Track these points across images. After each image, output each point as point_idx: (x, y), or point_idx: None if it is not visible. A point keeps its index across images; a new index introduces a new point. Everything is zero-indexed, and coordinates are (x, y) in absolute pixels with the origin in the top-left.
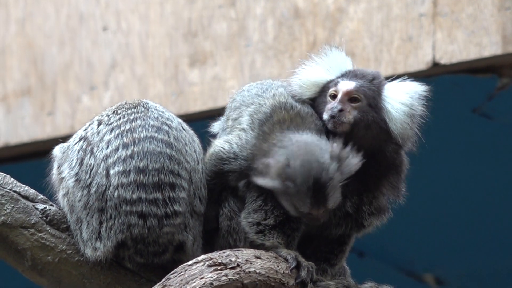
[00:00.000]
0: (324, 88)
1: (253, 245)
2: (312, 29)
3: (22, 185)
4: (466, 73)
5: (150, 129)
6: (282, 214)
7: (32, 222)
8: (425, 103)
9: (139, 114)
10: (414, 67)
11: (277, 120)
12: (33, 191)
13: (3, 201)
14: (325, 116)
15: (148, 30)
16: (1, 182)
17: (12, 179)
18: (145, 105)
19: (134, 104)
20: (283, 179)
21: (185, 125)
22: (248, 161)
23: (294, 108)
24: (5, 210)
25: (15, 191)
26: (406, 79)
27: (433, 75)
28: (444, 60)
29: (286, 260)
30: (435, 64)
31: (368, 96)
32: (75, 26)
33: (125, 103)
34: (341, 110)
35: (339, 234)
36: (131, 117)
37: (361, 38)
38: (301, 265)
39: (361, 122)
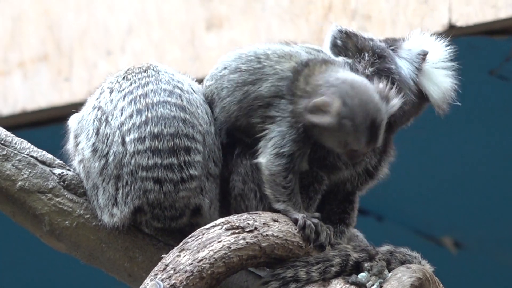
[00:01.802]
0: None
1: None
2: None
3: (39, 150)
4: (482, 35)
5: (162, 93)
6: (307, 172)
7: (50, 187)
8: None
9: (150, 78)
10: (430, 29)
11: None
12: (50, 156)
13: (20, 166)
14: None
15: None
16: (18, 147)
17: (29, 144)
18: (155, 69)
19: (144, 68)
20: (341, 118)
21: (195, 87)
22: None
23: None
24: (23, 175)
25: (32, 156)
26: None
27: (449, 37)
28: (460, 22)
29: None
30: (451, 26)
31: None
32: None
33: (134, 68)
34: None
35: (349, 191)
36: (143, 82)
37: (377, 1)
38: (319, 230)
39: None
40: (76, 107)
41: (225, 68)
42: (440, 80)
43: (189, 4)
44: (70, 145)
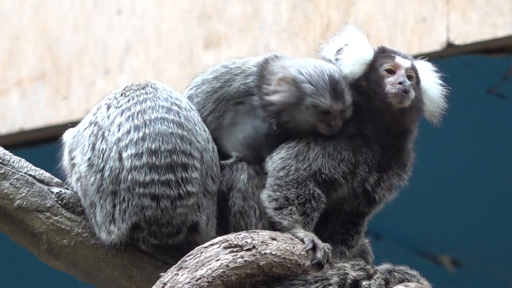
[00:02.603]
0: (372, 64)
1: (270, 221)
2: (326, 11)
3: (37, 168)
4: (480, 54)
5: (160, 109)
6: (303, 188)
7: (48, 205)
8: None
9: (148, 95)
10: (429, 48)
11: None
12: (48, 174)
13: (18, 185)
14: (393, 89)
15: (162, 13)
16: (16, 165)
17: (27, 162)
18: (153, 86)
19: (142, 85)
20: (299, 83)
21: (192, 105)
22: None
23: None
24: (21, 193)
25: (30, 175)
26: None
27: (447, 56)
28: (458, 40)
29: (302, 241)
30: (450, 45)
31: (417, 75)
32: (89, 10)
33: (132, 85)
34: (410, 84)
35: (353, 213)
36: (141, 99)
37: (375, 19)
38: (317, 247)
39: (414, 99)
40: (74, 125)
41: (191, 88)
42: (430, 89)
43: (187, 23)
44: (65, 161)
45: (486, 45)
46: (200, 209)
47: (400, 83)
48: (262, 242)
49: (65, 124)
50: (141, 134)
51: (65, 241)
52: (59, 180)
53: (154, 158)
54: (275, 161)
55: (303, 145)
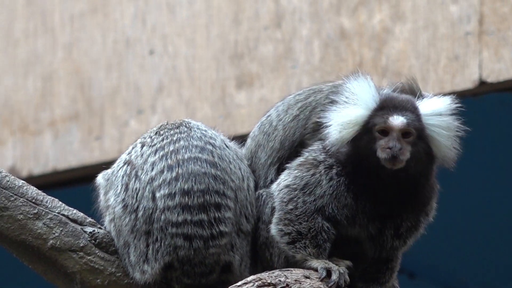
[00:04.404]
0: (366, 125)
1: (282, 252)
2: (358, 49)
3: (70, 208)
4: None
5: (193, 149)
6: (313, 221)
7: (81, 245)
8: (459, 117)
9: (182, 135)
10: (461, 86)
11: None
12: (81, 214)
13: (51, 225)
14: (383, 154)
15: (195, 53)
16: (50, 205)
17: (60, 202)
18: (187, 125)
19: (176, 124)
20: None
21: (228, 142)
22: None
23: None
24: (54, 233)
25: (63, 215)
26: (433, 96)
27: (480, 94)
28: (491, 78)
29: (316, 270)
30: (482, 83)
31: (417, 129)
32: (121, 51)
33: (167, 124)
34: (400, 149)
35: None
36: (174, 138)
37: (408, 58)
38: (331, 270)
39: (414, 155)
40: (107, 165)
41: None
42: (438, 137)
43: (219, 62)
44: (101, 203)
45: None
46: (234, 249)
47: (390, 148)
48: (295, 280)
49: (98, 164)
50: (174, 174)
51: (98, 280)
52: (92, 220)
53: (187, 199)
54: (282, 189)
55: (310, 176)
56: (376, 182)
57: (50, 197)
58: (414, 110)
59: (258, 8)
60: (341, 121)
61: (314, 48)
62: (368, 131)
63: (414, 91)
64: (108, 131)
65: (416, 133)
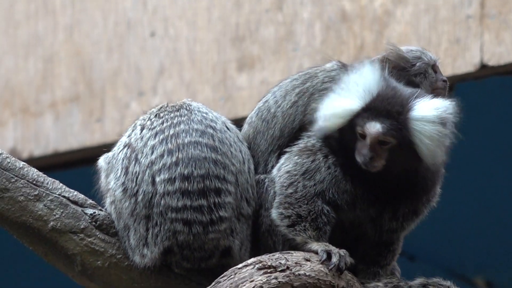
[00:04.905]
0: (352, 120)
1: (285, 239)
2: (360, 32)
3: (71, 190)
4: None
5: (194, 133)
6: (313, 204)
7: (82, 227)
8: (455, 121)
9: (182, 118)
10: (462, 69)
11: None
12: (82, 196)
13: (52, 207)
14: (358, 158)
15: (196, 35)
16: (50, 187)
17: (61, 184)
18: (188, 107)
19: (176, 107)
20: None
21: (229, 124)
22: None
23: None
24: (54, 215)
25: (64, 196)
26: (432, 98)
27: (481, 77)
28: (492, 62)
29: (316, 253)
30: (483, 66)
31: (396, 137)
32: (122, 33)
33: (167, 106)
34: (371, 158)
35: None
36: (175, 121)
37: (409, 41)
38: (332, 252)
39: (394, 160)
40: (107, 147)
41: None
42: (421, 143)
43: (220, 45)
44: (102, 185)
45: None
46: (233, 234)
47: (363, 154)
48: (296, 263)
49: (99, 146)
50: (174, 159)
51: (99, 262)
52: (93, 202)
53: (186, 184)
54: (282, 175)
55: (310, 162)
56: (367, 174)
57: (51, 178)
58: (401, 115)
59: None
60: (329, 111)
61: (315, 31)
62: (352, 128)
63: (403, 60)
64: (109, 113)
65: (396, 140)
